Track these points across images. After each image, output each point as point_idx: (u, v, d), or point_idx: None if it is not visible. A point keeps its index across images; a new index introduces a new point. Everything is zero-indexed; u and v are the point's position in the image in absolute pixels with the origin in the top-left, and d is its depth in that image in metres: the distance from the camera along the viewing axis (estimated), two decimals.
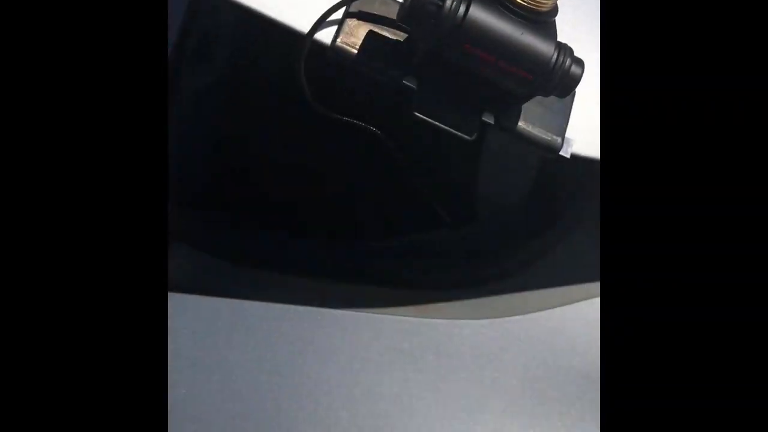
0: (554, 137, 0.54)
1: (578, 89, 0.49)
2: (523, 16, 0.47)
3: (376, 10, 0.52)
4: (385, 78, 0.52)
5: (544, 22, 0.48)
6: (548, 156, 0.54)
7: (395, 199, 0.68)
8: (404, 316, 0.63)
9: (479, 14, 0.46)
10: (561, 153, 0.54)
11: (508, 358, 0.63)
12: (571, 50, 0.48)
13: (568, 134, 0.54)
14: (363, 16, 0.52)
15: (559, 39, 0.48)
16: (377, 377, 0.61)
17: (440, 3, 0.46)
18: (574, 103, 0.55)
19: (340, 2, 0.51)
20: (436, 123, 0.51)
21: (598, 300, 0.64)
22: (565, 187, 0.68)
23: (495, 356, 0.63)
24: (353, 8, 0.52)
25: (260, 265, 0.66)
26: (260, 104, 0.77)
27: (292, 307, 0.61)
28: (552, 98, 0.52)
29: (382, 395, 0.61)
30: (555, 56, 0.47)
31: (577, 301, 0.64)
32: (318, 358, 0.61)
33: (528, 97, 0.51)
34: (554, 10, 0.48)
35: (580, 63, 0.48)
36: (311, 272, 0.66)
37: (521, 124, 0.53)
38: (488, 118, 0.53)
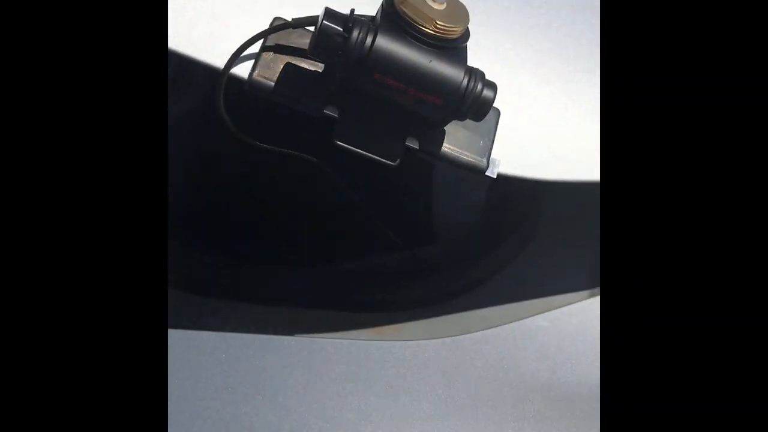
0: (478, 158, 0.54)
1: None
2: (432, 44, 0.47)
3: (294, 42, 0.53)
4: (305, 108, 0.52)
5: (454, 48, 0.48)
6: (474, 176, 0.54)
7: (348, 223, 0.68)
8: (360, 339, 0.64)
9: (386, 44, 0.47)
10: (487, 174, 0.54)
11: (460, 376, 0.63)
12: (482, 74, 0.49)
13: (493, 155, 0.55)
14: (279, 49, 0.52)
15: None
16: (335, 402, 0.62)
17: (346, 35, 0.46)
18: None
19: (254, 36, 0.51)
20: (358, 150, 0.52)
21: (547, 316, 0.64)
22: (514, 206, 0.68)
23: (448, 375, 0.63)
24: (270, 41, 0.52)
25: (213, 295, 0.66)
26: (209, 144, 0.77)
27: (247, 336, 0.61)
28: (480, 131, 0.54)
29: (340, 421, 0.61)
30: (465, 81, 0.47)
31: (527, 317, 0.64)
32: (275, 385, 0.61)
33: (445, 122, 0.51)
34: (463, 37, 0.49)
35: (492, 86, 0.49)
36: (263, 300, 0.67)
37: (445, 147, 0.54)
38: (412, 143, 0.53)
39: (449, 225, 0.72)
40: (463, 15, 0.49)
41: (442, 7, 0.48)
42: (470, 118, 0.49)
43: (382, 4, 0.49)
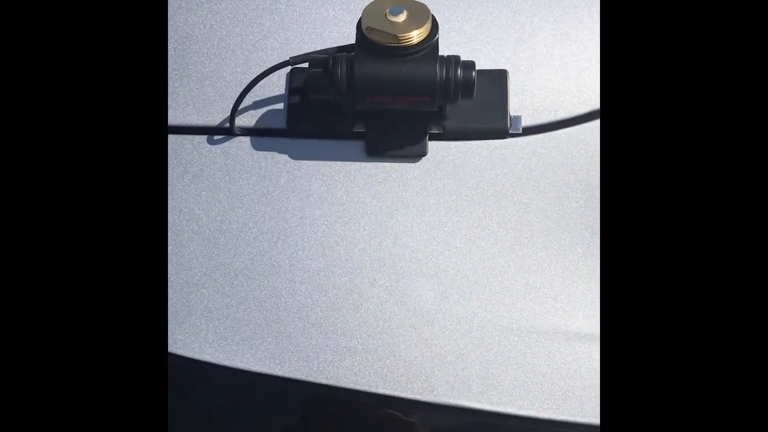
0: (500, 122, 0.58)
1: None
2: (403, 53, 0.54)
3: None
4: (338, 133, 0.58)
5: (422, 49, 0.54)
6: (502, 138, 0.58)
7: None
8: None
9: (363, 71, 0.54)
10: (512, 131, 0.58)
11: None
12: (456, 59, 0.54)
13: (514, 112, 0.58)
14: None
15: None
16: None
17: (329, 75, 0.54)
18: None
19: (259, 75, 0.57)
20: (388, 159, 0.58)
21: None
22: None
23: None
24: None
25: None
26: None
27: None
28: (489, 86, 0.58)
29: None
30: (439, 74, 0.53)
31: None
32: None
33: (444, 106, 0.56)
34: (430, 35, 0.54)
35: (469, 66, 0.54)
36: None
37: (467, 124, 0.57)
38: (437, 129, 0.58)
39: None
40: (423, 16, 0.54)
41: (402, 18, 0.54)
42: (463, 97, 0.54)
43: (356, 34, 0.55)
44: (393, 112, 0.56)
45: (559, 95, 0.59)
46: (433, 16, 0.55)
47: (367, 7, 0.55)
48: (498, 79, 0.58)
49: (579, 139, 0.58)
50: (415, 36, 0.53)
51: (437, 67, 0.53)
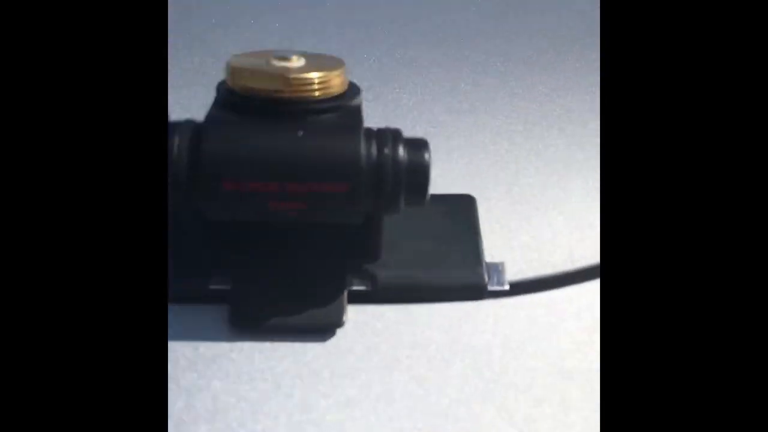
0: (474, 270, 0.34)
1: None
2: (295, 111, 0.31)
3: None
4: (186, 298, 0.33)
5: (332, 108, 0.32)
6: (477, 298, 0.33)
7: None
8: None
9: (221, 133, 0.30)
10: (495, 287, 0.34)
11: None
12: (394, 134, 0.32)
13: (491, 259, 0.35)
14: None
15: None
16: None
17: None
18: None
19: None
20: (270, 335, 0.31)
21: None
22: None
23: None
24: None
25: None
26: None
27: None
28: (449, 218, 0.37)
29: None
30: (365, 148, 0.30)
31: None
32: None
33: (377, 225, 0.33)
34: (340, 95, 0.32)
35: (419, 145, 0.31)
36: None
37: (416, 272, 0.34)
38: (361, 283, 0.33)
39: None
40: (333, 64, 0.33)
41: (298, 63, 0.32)
42: (408, 204, 0.31)
43: (217, 91, 0.33)
44: (279, 239, 0.32)
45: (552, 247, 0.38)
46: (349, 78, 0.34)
47: (239, 54, 0.33)
48: (463, 207, 0.37)
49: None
50: (318, 81, 0.31)
51: (360, 137, 0.30)
